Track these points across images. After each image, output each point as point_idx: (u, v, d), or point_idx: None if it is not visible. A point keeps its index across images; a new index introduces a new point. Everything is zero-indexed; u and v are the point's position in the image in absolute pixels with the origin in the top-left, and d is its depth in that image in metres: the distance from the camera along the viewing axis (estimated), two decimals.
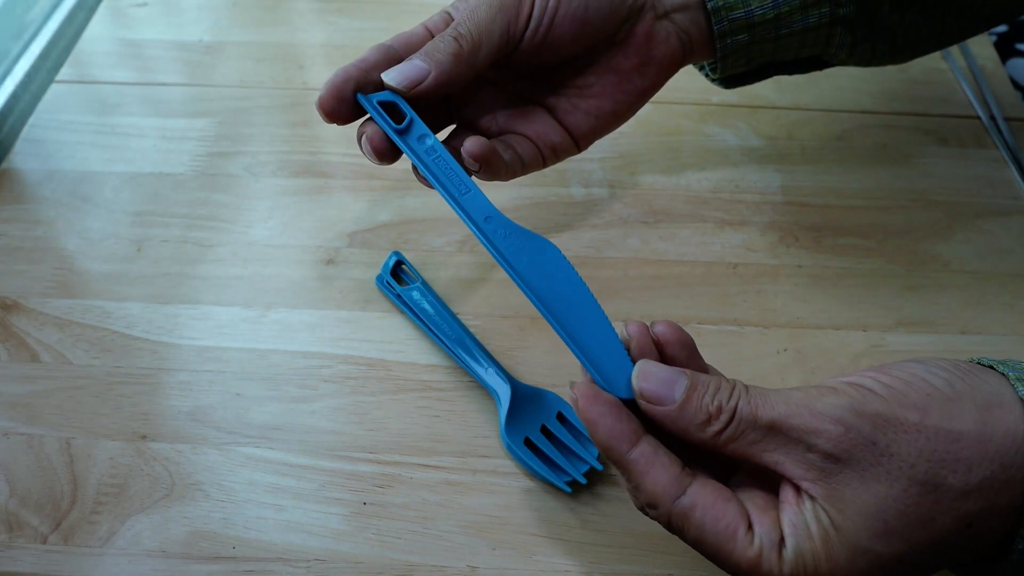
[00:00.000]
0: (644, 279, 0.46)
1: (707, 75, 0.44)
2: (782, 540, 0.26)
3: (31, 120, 0.55)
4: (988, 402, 0.26)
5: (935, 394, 0.26)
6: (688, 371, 0.29)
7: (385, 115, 0.34)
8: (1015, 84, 0.59)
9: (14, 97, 0.56)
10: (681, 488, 0.27)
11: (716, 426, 0.27)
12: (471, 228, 0.32)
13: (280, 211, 0.50)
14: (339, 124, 0.35)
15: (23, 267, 0.47)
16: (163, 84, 0.58)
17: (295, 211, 0.50)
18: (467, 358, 0.42)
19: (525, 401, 0.40)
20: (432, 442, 0.40)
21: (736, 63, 0.41)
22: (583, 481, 0.37)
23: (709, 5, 0.38)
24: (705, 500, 0.27)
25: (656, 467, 0.28)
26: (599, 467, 0.37)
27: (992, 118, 0.55)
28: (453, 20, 0.37)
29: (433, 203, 0.50)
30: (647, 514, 0.29)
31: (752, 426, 0.27)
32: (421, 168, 0.34)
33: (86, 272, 0.46)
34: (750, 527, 0.27)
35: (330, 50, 0.61)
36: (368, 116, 0.35)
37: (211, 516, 0.37)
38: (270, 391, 0.41)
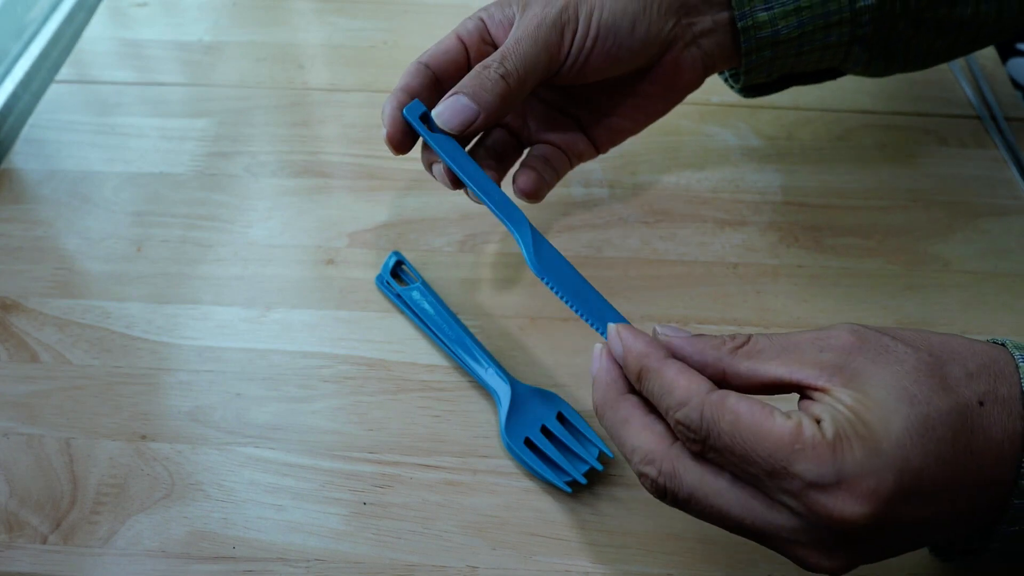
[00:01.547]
0: (644, 279, 0.46)
1: (727, 82, 0.46)
2: (817, 419, 0.27)
3: (31, 120, 0.55)
4: (970, 337, 0.30)
5: (924, 338, 0.29)
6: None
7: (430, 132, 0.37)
8: (1015, 84, 0.59)
9: (14, 97, 0.56)
10: (713, 386, 0.28)
11: (733, 344, 0.29)
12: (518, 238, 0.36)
13: (280, 211, 0.50)
14: (405, 153, 0.38)
15: (23, 267, 0.47)
16: (163, 84, 0.58)
17: (295, 211, 0.50)
18: (467, 358, 0.42)
19: (525, 401, 0.40)
20: (432, 442, 0.40)
21: (757, 76, 0.43)
22: (583, 481, 0.37)
23: (740, 24, 0.40)
24: (736, 394, 0.28)
25: (689, 372, 0.29)
26: (599, 467, 0.37)
27: (992, 118, 0.55)
28: (488, 31, 0.39)
29: (433, 203, 0.50)
30: (675, 421, 0.28)
31: (768, 344, 0.29)
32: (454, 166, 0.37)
33: (86, 272, 0.46)
34: (784, 413, 0.27)
35: (330, 50, 0.61)
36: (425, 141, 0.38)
37: (211, 516, 0.37)
38: (270, 391, 0.41)
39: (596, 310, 0.34)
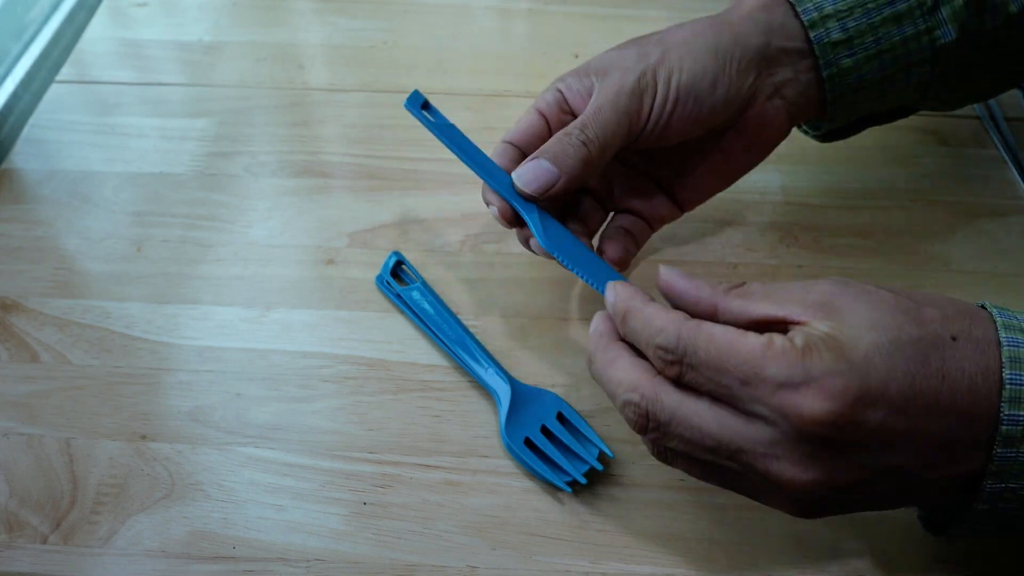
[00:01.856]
0: (644, 279, 0.46)
1: (803, 131, 0.45)
2: (790, 338, 0.28)
3: (31, 120, 0.55)
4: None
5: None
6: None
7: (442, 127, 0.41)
8: None
9: (14, 97, 0.56)
10: (689, 317, 0.30)
11: (729, 284, 0.31)
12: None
13: (280, 211, 0.50)
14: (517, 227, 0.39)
15: (23, 267, 0.47)
16: (163, 84, 0.58)
17: (295, 211, 0.50)
18: (467, 358, 0.42)
19: (525, 401, 0.40)
20: (432, 442, 0.40)
21: (839, 121, 0.42)
22: (583, 481, 0.37)
23: (825, 73, 0.39)
24: (711, 322, 0.30)
25: (669, 309, 0.31)
26: (599, 467, 0.37)
27: (992, 118, 0.55)
28: (567, 102, 0.39)
29: (433, 203, 0.50)
30: (654, 347, 0.30)
31: (760, 288, 0.30)
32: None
33: (86, 272, 0.46)
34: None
35: (330, 50, 0.61)
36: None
37: (211, 516, 0.37)
38: (270, 391, 0.41)
39: (603, 277, 0.36)
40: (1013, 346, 0.28)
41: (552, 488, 0.38)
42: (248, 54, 0.60)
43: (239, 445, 0.39)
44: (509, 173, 0.38)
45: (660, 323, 0.30)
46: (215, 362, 0.42)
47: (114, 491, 0.38)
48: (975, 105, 0.56)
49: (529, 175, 0.37)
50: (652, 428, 0.30)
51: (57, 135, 0.54)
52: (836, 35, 0.38)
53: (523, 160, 0.38)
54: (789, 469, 0.28)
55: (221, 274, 0.46)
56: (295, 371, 0.42)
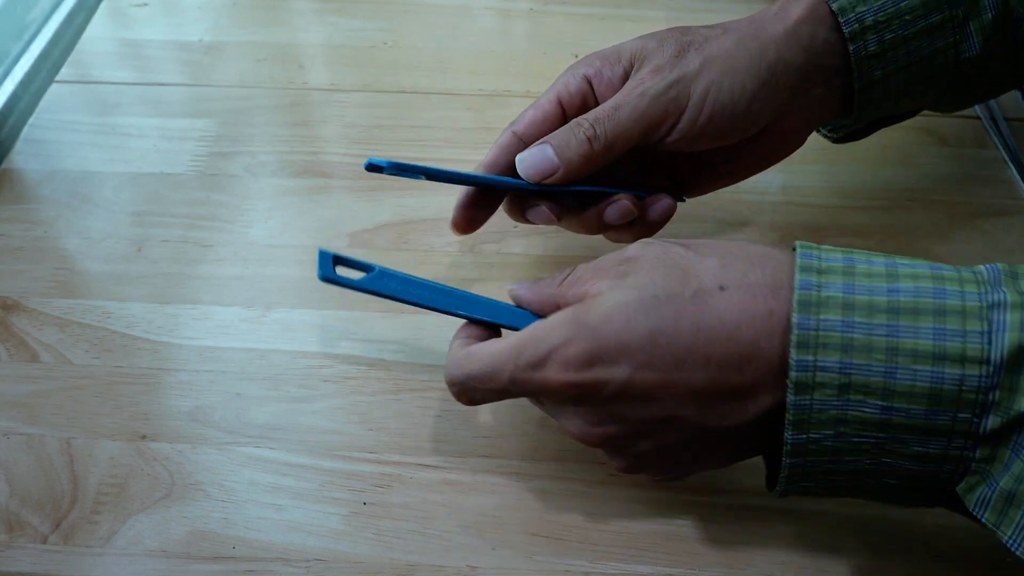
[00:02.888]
0: None
1: (822, 133, 0.45)
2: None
3: (31, 120, 0.55)
4: (749, 243, 0.32)
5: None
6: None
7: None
8: None
9: (14, 97, 0.56)
10: (461, 346, 0.34)
11: (562, 276, 0.34)
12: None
13: (280, 211, 0.50)
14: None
15: (23, 267, 0.47)
16: (163, 84, 0.58)
17: (295, 211, 0.50)
18: (470, 305, 0.37)
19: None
20: (432, 442, 0.40)
21: (857, 125, 0.42)
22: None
23: (858, 85, 0.39)
24: (473, 345, 0.34)
25: (453, 350, 0.35)
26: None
27: (992, 118, 0.55)
28: (593, 92, 0.38)
29: (433, 203, 0.50)
30: (453, 393, 0.35)
31: (586, 269, 0.33)
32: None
33: (86, 272, 0.46)
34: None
35: (330, 50, 0.61)
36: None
37: (211, 516, 0.37)
38: (270, 391, 0.41)
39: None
40: (805, 289, 0.28)
41: (552, 488, 0.38)
42: (248, 54, 0.60)
43: (239, 445, 0.39)
44: (505, 169, 0.38)
45: (448, 372, 0.34)
46: (215, 362, 0.42)
47: (114, 491, 0.38)
48: (975, 105, 0.56)
49: (530, 160, 0.37)
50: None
51: (57, 135, 0.54)
52: (872, 48, 0.38)
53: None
54: (577, 426, 0.32)
55: (221, 274, 0.46)
56: (295, 371, 0.42)
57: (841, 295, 0.28)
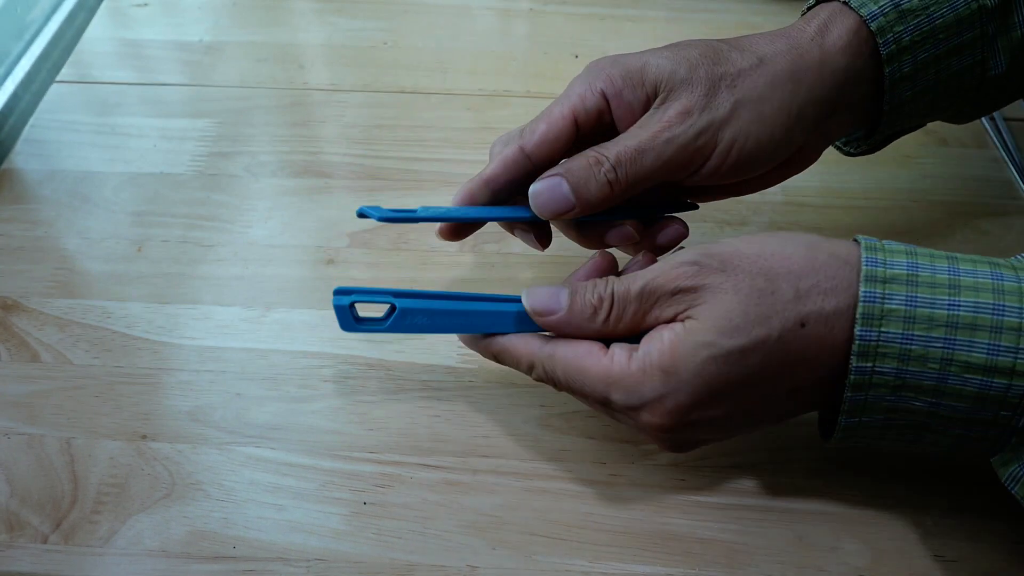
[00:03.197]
0: None
1: (837, 148, 0.44)
2: (635, 349, 0.32)
3: (32, 120, 0.55)
4: (820, 241, 0.32)
5: (775, 235, 0.32)
6: (568, 284, 0.34)
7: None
8: None
9: (15, 97, 0.56)
10: (544, 341, 0.34)
11: (602, 314, 0.32)
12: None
13: (280, 211, 0.50)
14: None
15: (23, 267, 0.47)
16: (163, 84, 0.58)
17: (295, 211, 0.50)
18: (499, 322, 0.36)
19: None
20: (432, 442, 0.40)
21: (874, 140, 0.42)
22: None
23: (886, 107, 0.38)
24: (565, 341, 0.33)
25: (522, 340, 0.34)
26: None
27: (992, 118, 0.55)
28: (610, 111, 0.36)
29: (433, 203, 0.50)
30: (535, 379, 0.35)
31: (628, 299, 0.32)
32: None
33: (86, 272, 0.46)
34: (606, 349, 0.32)
35: (330, 50, 0.61)
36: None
37: (211, 516, 0.37)
38: (270, 391, 0.41)
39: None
40: (869, 302, 0.29)
41: (552, 488, 0.38)
42: (248, 54, 0.60)
43: (239, 445, 0.39)
44: (505, 186, 0.36)
45: (519, 353, 0.34)
46: (215, 362, 0.42)
47: (114, 491, 0.38)
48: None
49: (545, 196, 0.35)
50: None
51: (57, 135, 0.54)
52: (907, 69, 0.37)
53: (530, 175, 0.36)
54: (654, 442, 0.34)
55: (221, 274, 0.46)
56: (295, 371, 0.42)
57: (903, 308, 0.29)
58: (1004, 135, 0.54)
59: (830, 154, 0.53)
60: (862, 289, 0.30)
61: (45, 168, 0.52)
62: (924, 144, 0.54)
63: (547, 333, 0.34)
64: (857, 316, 0.29)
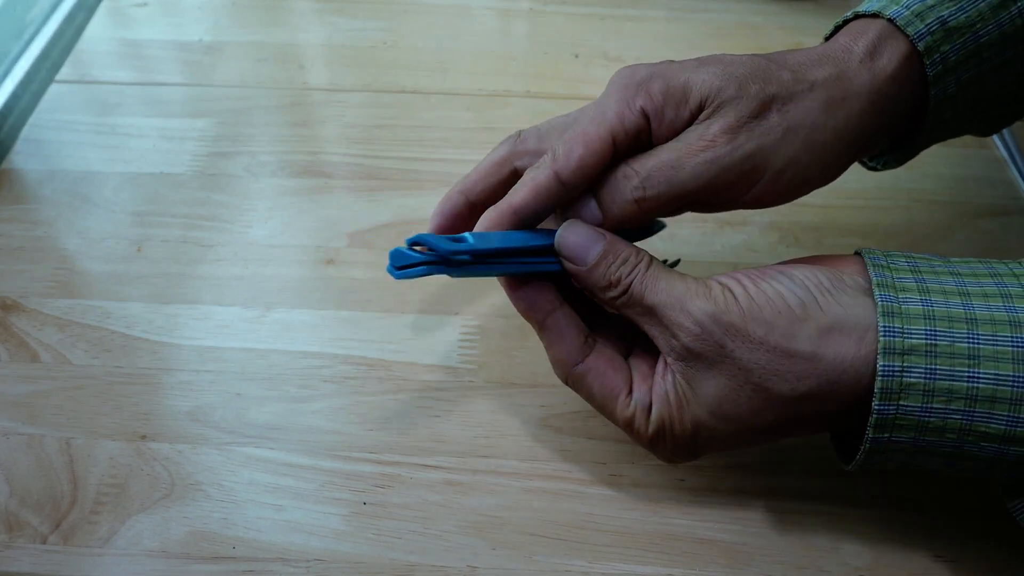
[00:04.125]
0: None
1: (861, 163, 0.42)
2: (651, 405, 0.32)
3: (31, 120, 0.55)
4: (831, 327, 0.30)
5: (785, 314, 0.30)
6: (607, 237, 0.32)
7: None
8: None
9: (14, 97, 0.56)
10: (580, 357, 0.33)
11: (613, 293, 0.32)
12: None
13: (280, 211, 0.50)
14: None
15: (23, 267, 0.47)
16: (163, 84, 0.58)
17: (295, 211, 0.50)
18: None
19: None
20: (432, 442, 0.40)
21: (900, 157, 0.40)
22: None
23: (928, 128, 0.37)
24: (598, 368, 0.33)
25: (564, 338, 0.33)
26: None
27: None
28: (649, 131, 0.33)
29: (433, 203, 0.50)
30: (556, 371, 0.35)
31: (638, 303, 0.32)
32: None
33: (86, 272, 0.46)
34: (630, 392, 0.33)
35: (330, 50, 0.61)
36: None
37: (211, 516, 0.37)
38: (270, 391, 0.41)
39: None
40: (888, 376, 0.29)
41: (552, 488, 0.38)
42: (248, 54, 0.60)
43: (239, 445, 0.39)
44: (534, 216, 0.33)
45: (553, 358, 0.34)
46: (215, 362, 0.42)
47: (114, 491, 0.38)
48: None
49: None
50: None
51: (57, 135, 0.54)
52: (951, 90, 0.35)
53: (563, 195, 0.33)
54: (661, 457, 0.35)
55: (221, 274, 0.46)
56: (295, 371, 0.42)
57: (923, 381, 0.28)
58: (1004, 135, 0.54)
59: None
60: (880, 363, 0.29)
61: (45, 168, 0.52)
62: None
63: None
64: (876, 390, 0.29)
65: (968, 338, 0.28)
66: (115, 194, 0.51)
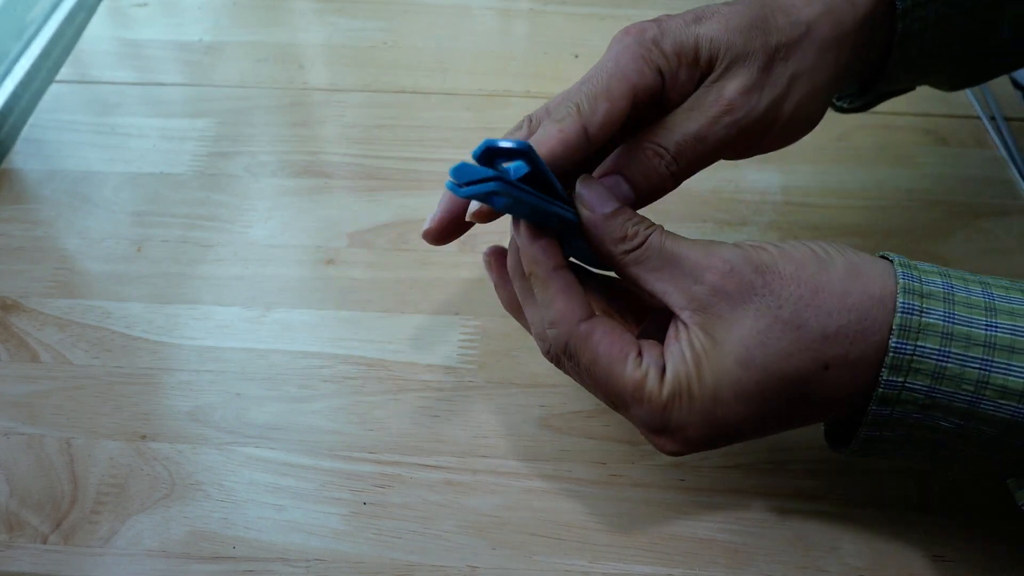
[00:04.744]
0: None
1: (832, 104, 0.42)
2: (665, 366, 0.30)
3: (31, 120, 0.55)
4: (856, 268, 0.30)
5: (812, 257, 0.30)
6: (620, 195, 0.32)
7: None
8: (1015, 84, 0.59)
9: (14, 97, 0.56)
10: (586, 313, 0.31)
11: (627, 245, 0.31)
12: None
13: (280, 211, 0.50)
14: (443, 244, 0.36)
15: (23, 267, 0.47)
16: (163, 84, 0.58)
17: (295, 211, 0.50)
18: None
19: None
20: (432, 442, 0.40)
21: (867, 99, 0.41)
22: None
23: (893, 65, 0.37)
24: (604, 327, 0.30)
25: (570, 290, 0.31)
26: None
27: (992, 118, 0.55)
28: (665, 90, 0.33)
29: (433, 203, 0.50)
30: (544, 340, 0.32)
31: (657, 253, 0.30)
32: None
33: (86, 272, 0.46)
34: (640, 354, 0.30)
35: (330, 50, 0.61)
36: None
37: (211, 516, 0.37)
38: (270, 391, 0.41)
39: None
40: (907, 313, 0.28)
41: (552, 488, 0.38)
42: (248, 54, 0.60)
43: (239, 445, 0.39)
44: (560, 169, 0.31)
45: (555, 316, 0.30)
46: (215, 362, 0.42)
47: (114, 491, 0.38)
48: (975, 105, 0.56)
49: (598, 189, 0.31)
50: (557, 366, 0.33)
51: (57, 135, 0.54)
52: (917, 26, 0.36)
53: (587, 151, 0.31)
54: (654, 442, 0.32)
55: (221, 274, 0.46)
56: (295, 371, 0.42)
57: (942, 323, 0.28)
58: (1004, 135, 0.54)
59: (830, 154, 0.53)
60: (900, 299, 0.28)
61: (45, 168, 0.52)
62: (924, 144, 0.54)
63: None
64: (893, 327, 0.28)
65: (983, 293, 0.29)
66: (115, 194, 0.51)
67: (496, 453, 0.39)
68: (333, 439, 0.40)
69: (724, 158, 0.35)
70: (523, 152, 0.27)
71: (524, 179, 0.28)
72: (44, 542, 0.36)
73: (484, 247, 0.48)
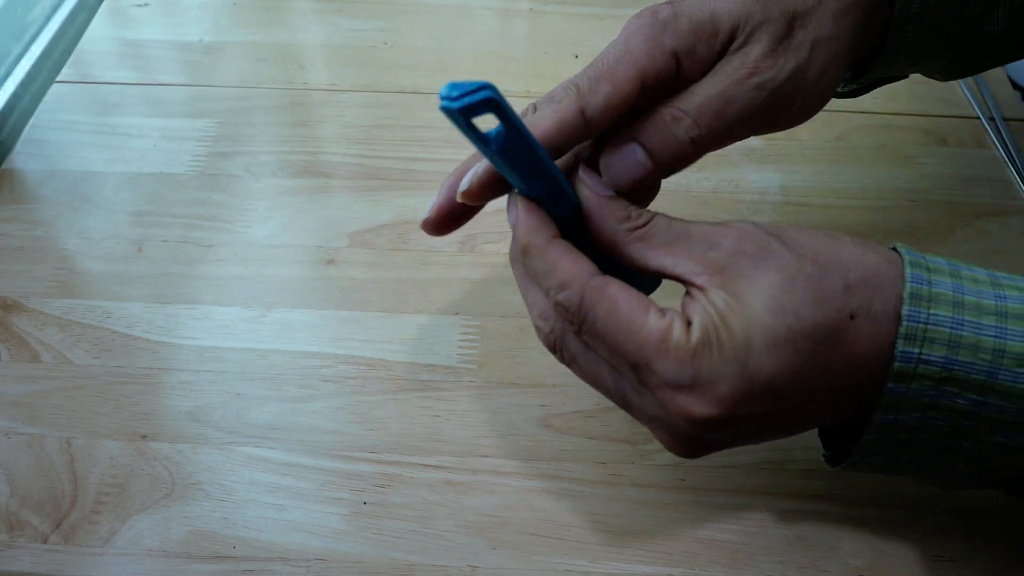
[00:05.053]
0: None
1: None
2: (690, 320, 0.28)
3: (32, 120, 0.55)
4: (865, 242, 0.29)
5: (823, 231, 0.29)
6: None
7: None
8: (1014, 84, 0.59)
9: (15, 97, 0.56)
10: (596, 270, 0.29)
11: (632, 223, 0.29)
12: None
13: (280, 211, 0.50)
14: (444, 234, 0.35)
15: (23, 267, 0.47)
16: (163, 84, 0.58)
17: (295, 211, 0.50)
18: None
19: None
20: (432, 442, 0.40)
21: (863, 83, 0.40)
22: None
23: (890, 45, 0.36)
24: (619, 282, 0.29)
25: (574, 252, 0.29)
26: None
27: (992, 118, 0.56)
28: (679, 70, 0.32)
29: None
30: (546, 320, 0.30)
31: (664, 229, 0.29)
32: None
33: (86, 272, 0.46)
34: (660, 310, 0.28)
35: (330, 50, 0.61)
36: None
37: (211, 516, 0.37)
38: (270, 391, 0.41)
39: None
40: (917, 283, 0.28)
41: (552, 488, 0.38)
42: (248, 54, 0.60)
43: (239, 445, 0.39)
44: (554, 151, 0.30)
45: (563, 276, 0.28)
46: (215, 362, 0.42)
47: (114, 491, 0.38)
48: (975, 105, 0.56)
49: (620, 165, 0.30)
50: (559, 358, 0.31)
51: (57, 135, 0.54)
52: (915, 7, 0.35)
53: (584, 135, 0.30)
54: (668, 440, 0.30)
55: (221, 274, 0.46)
56: (295, 371, 0.42)
57: (951, 293, 0.28)
58: (1004, 135, 0.54)
59: (830, 154, 0.53)
60: (909, 271, 0.28)
61: (45, 168, 0.52)
62: (924, 144, 0.54)
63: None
64: (904, 296, 0.27)
65: (987, 273, 0.29)
66: (115, 194, 0.51)
67: (496, 453, 0.39)
68: (333, 439, 0.40)
69: (746, 134, 0.33)
70: (485, 87, 0.25)
71: (506, 149, 0.27)
72: (44, 542, 0.36)
73: (484, 247, 0.48)
